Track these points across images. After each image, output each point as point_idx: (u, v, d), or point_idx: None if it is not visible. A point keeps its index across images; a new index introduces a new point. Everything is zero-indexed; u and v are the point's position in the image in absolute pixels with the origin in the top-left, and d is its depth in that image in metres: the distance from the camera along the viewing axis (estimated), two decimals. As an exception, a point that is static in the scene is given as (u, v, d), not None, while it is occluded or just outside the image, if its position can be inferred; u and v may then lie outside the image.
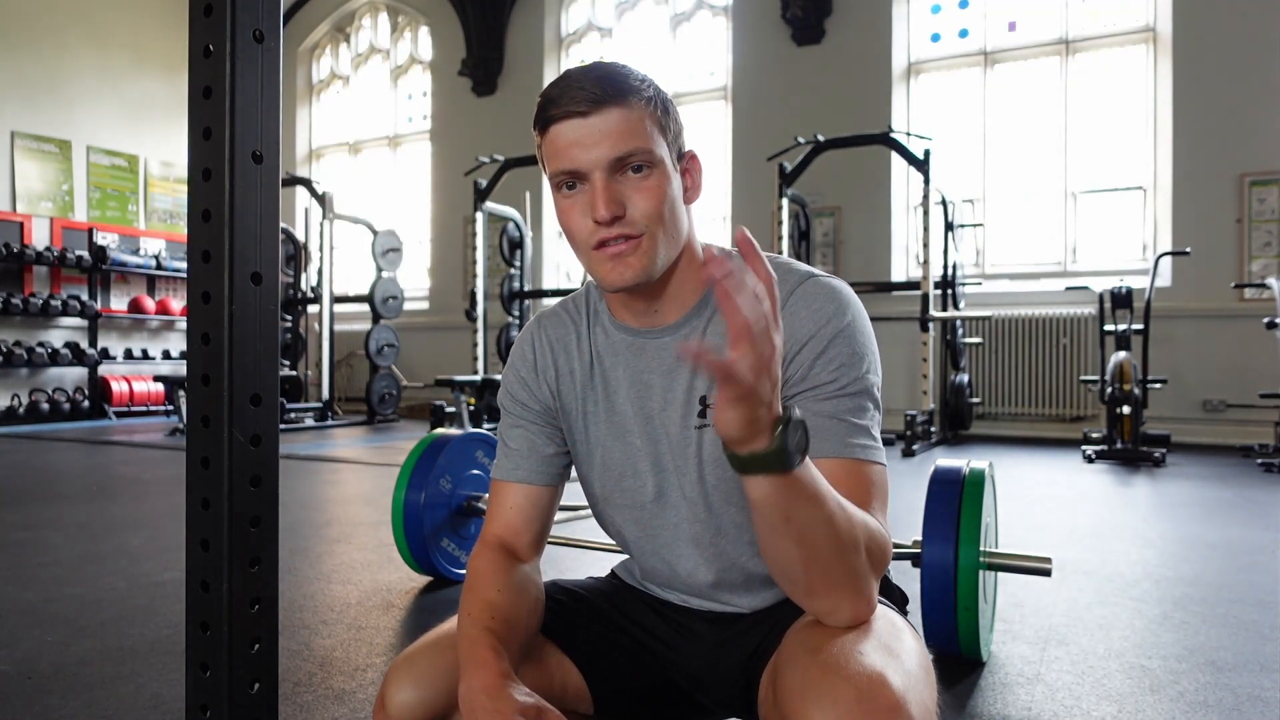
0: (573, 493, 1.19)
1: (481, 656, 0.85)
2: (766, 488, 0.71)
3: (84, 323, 8.71)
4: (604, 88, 0.88)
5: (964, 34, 7.28)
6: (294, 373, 8.43)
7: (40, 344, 8.24)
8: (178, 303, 9.43)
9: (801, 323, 0.92)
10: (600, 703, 1.04)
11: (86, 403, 8.53)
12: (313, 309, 8.81)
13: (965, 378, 6.50)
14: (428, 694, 0.90)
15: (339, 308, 8.76)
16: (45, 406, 8.16)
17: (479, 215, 7.57)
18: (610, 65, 0.91)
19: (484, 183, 7.57)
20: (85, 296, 8.60)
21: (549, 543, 1.11)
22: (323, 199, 8.24)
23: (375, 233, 8.28)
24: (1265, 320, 5.20)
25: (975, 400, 6.69)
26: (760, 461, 0.69)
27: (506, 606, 0.93)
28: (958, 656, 1.80)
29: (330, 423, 7.94)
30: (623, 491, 1.03)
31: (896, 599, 1.06)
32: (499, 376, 6.82)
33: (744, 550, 1.01)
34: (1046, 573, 1.78)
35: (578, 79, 0.89)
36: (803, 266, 0.98)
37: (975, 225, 7.06)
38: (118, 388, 8.65)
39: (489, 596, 0.93)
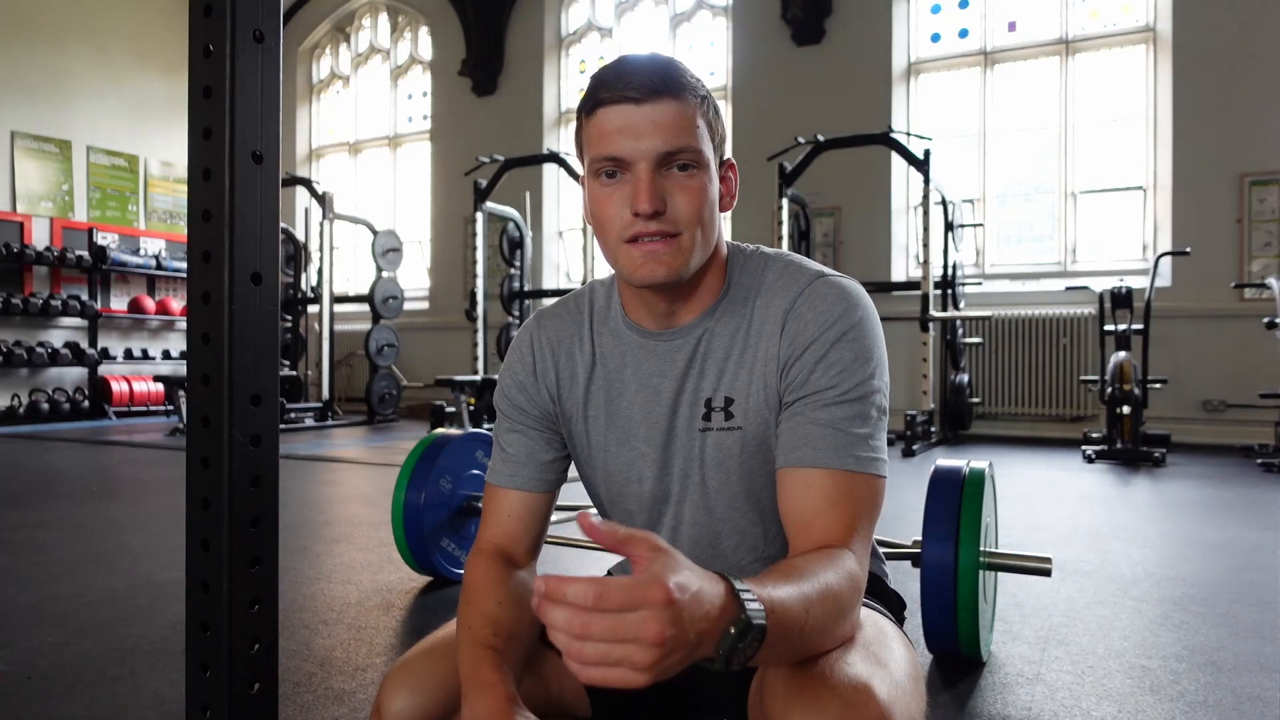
0: (572, 493, 1.19)
1: (486, 679, 0.83)
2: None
3: (84, 323, 8.71)
4: (662, 78, 0.85)
5: (964, 34, 7.28)
6: (294, 373, 8.43)
7: (40, 344, 8.24)
8: (178, 303, 9.43)
9: (805, 325, 0.90)
10: (598, 705, 1.03)
11: (86, 403, 8.53)
12: (313, 309, 8.81)
13: (965, 378, 6.50)
14: (424, 701, 0.89)
15: (339, 308, 8.76)
16: (45, 406, 8.16)
17: (479, 215, 7.57)
18: (668, 58, 0.89)
19: (484, 183, 7.57)
20: (85, 296, 8.60)
21: (547, 543, 1.10)
22: (323, 199, 8.24)
23: (375, 233, 8.28)
24: (1265, 320, 5.20)
25: (975, 400, 6.69)
26: (714, 665, 0.62)
27: (508, 620, 0.90)
28: (958, 656, 1.80)
29: (330, 423, 7.94)
30: (625, 496, 1.02)
31: (893, 605, 1.05)
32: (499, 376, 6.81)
33: (744, 555, 1.00)
34: (1046, 573, 1.78)
35: (635, 66, 0.86)
36: (813, 266, 0.95)
37: (975, 225, 7.06)
38: (118, 388, 8.65)
39: (489, 610, 0.91)
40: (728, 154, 0.96)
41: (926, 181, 5.96)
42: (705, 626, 0.59)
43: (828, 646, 0.76)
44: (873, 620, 0.86)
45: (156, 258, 9.26)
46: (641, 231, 0.87)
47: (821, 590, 0.73)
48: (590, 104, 0.88)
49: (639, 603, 0.56)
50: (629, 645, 0.56)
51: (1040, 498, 3.96)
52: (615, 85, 0.86)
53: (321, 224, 8.23)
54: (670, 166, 0.87)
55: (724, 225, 0.99)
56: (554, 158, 7.48)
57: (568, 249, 9.08)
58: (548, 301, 7.89)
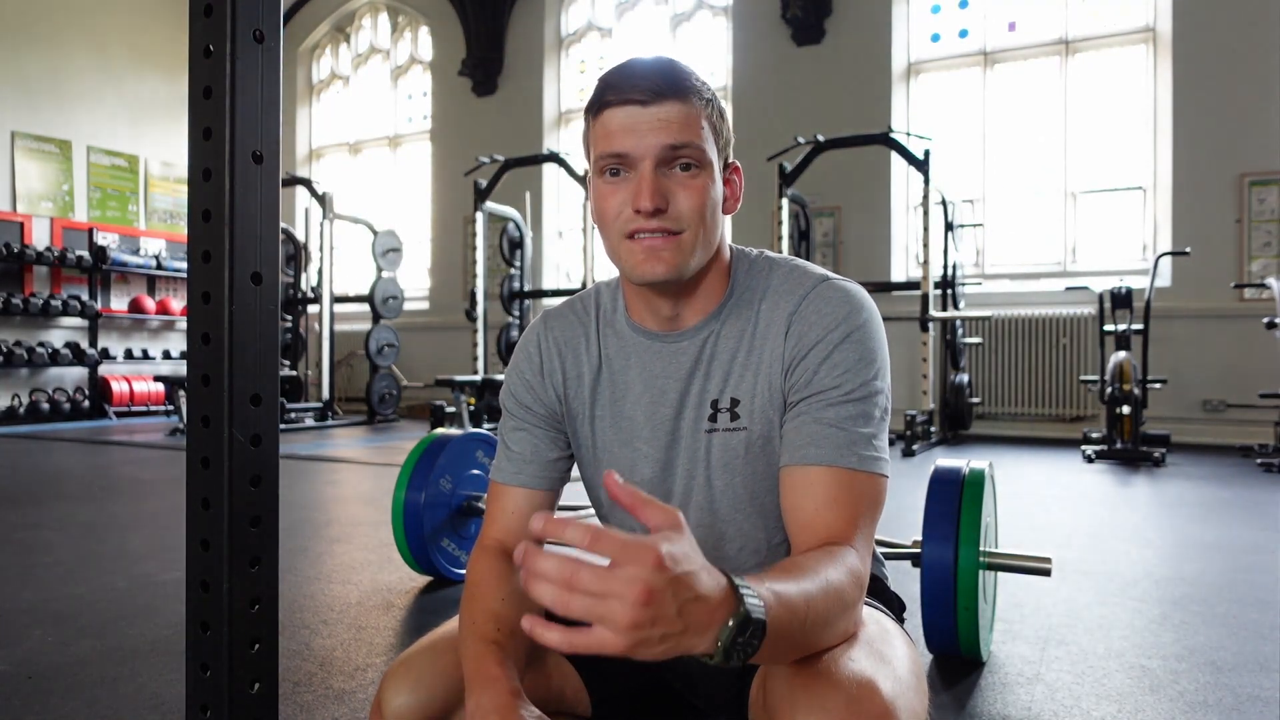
0: (573, 493, 1.19)
1: (490, 673, 0.83)
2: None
3: (84, 323, 8.70)
4: (667, 81, 0.87)
5: (964, 34, 7.28)
6: (294, 373, 8.43)
7: (40, 344, 8.24)
8: (178, 303, 9.43)
9: (810, 327, 0.91)
10: (598, 703, 1.03)
11: (87, 403, 8.53)
12: (313, 309, 8.81)
13: (965, 378, 6.49)
14: (425, 698, 0.89)
15: (339, 308, 8.76)
16: (45, 406, 8.16)
17: (479, 215, 7.57)
18: (674, 61, 0.90)
19: (484, 183, 7.56)
20: (85, 296, 8.60)
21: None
22: (323, 199, 8.24)
23: (375, 233, 8.28)
24: (1265, 320, 5.20)
25: (975, 400, 6.68)
26: (713, 660, 0.62)
27: (511, 616, 0.91)
28: (958, 656, 1.80)
29: (330, 423, 7.94)
30: None
31: (893, 607, 1.05)
32: (499, 376, 6.82)
33: (746, 558, 1.00)
34: (1046, 573, 1.78)
35: (641, 69, 0.88)
36: (817, 270, 0.97)
37: (975, 225, 7.06)
38: (118, 388, 8.65)
39: (493, 607, 0.91)
40: (733, 157, 0.97)
41: (926, 181, 5.96)
42: (702, 615, 0.59)
43: (829, 643, 0.76)
44: (875, 618, 0.86)
45: (156, 258, 9.26)
46: (642, 228, 0.88)
47: (823, 586, 0.73)
48: (596, 105, 0.90)
49: (630, 558, 0.56)
50: (612, 602, 0.55)
51: (1040, 498, 3.96)
52: (621, 88, 0.87)
53: (321, 224, 8.22)
54: (673, 165, 0.88)
55: (727, 228, 1.00)
56: (554, 158, 7.48)
57: (568, 249, 9.08)
58: (548, 301, 7.90)
